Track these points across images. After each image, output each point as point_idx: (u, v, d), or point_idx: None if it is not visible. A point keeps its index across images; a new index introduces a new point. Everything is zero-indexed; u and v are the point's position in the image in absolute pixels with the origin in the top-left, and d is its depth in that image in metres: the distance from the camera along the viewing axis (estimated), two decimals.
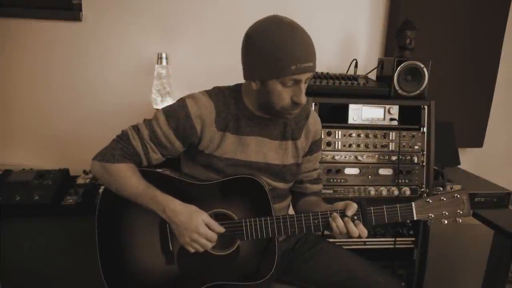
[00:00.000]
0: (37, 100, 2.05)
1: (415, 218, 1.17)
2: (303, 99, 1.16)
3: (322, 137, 1.77)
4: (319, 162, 1.73)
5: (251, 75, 1.19)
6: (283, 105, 1.17)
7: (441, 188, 1.91)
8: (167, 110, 1.25)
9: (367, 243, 1.86)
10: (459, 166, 2.23)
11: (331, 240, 1.51)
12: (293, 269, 1.37)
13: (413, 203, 1.17)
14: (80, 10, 1.98)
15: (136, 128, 1.25)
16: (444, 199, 1.17)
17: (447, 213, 1.17)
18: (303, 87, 1.16)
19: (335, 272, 1.30)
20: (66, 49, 2.02)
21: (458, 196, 1.17)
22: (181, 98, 1.26)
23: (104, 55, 2.05)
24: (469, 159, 2.43)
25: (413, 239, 1.89)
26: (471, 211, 1.17)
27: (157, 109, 1.55)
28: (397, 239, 1.87)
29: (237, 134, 1.26)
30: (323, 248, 1.39)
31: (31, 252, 1.71)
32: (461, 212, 1.17)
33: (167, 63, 1.99)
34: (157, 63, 1.98)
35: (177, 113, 1.23)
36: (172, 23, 2.08)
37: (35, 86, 2.03)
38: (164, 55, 1.97)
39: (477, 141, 2.44)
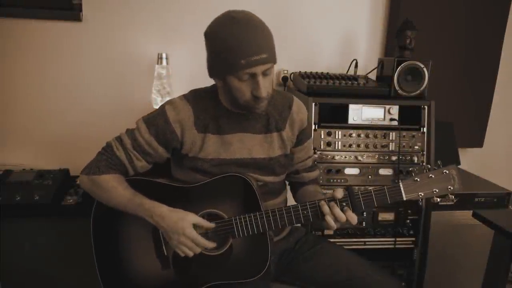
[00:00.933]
0: (37, 100, 2.05)
1: (404, 198, 1.12)
2: (263, 92, 1.15)
3: (322, 136, 1.78)
4: (319, 162, 1.73)
5: (211, 73, 1.22)
6: (245, 99, 1.17)
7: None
8: (147, 118, 1.27)
9: (367, 243, 1.86)
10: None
11: (331, 240, 1.51)
12: (293, 269, 1.37)
13: (400, 183, 1.13)
14: (80, 10, 1.98)
15: (119, 139, 1.27)
16: (433, 176, 1.12)
17: (437, 190, 1.11)
18: (261, 80, 1.14)
19: (335, 272, 1.30)
20: (66, 49, 2.02)
21: (447, 171, 1.11)
22: (161, 105, 1.29)
23: (104, 55, 2.05)
24: (469, 159, 2.43)
25: (413, 239, 1.89)
26: (462, 185, 1.11)
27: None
28: (397, 239, 1.87)
29: (219, 134, 1.27)
30: (323, 248, 1.39)
31: (31, 252, 1.71)
32: (451, 188, 1.11)
33: (167, 63, 1.99)
34: (157, 63, 1.98)
35: (156, 120, 1.25)
36: (172, 23, 2.08)
37: (35, 86, 2.03)
38: (164, 55, 1.98)
39: (477, 141, 2.44)
